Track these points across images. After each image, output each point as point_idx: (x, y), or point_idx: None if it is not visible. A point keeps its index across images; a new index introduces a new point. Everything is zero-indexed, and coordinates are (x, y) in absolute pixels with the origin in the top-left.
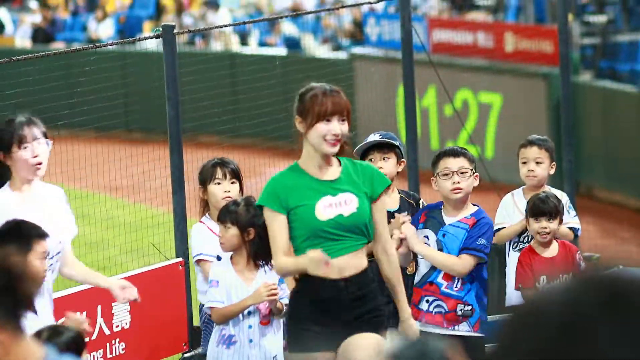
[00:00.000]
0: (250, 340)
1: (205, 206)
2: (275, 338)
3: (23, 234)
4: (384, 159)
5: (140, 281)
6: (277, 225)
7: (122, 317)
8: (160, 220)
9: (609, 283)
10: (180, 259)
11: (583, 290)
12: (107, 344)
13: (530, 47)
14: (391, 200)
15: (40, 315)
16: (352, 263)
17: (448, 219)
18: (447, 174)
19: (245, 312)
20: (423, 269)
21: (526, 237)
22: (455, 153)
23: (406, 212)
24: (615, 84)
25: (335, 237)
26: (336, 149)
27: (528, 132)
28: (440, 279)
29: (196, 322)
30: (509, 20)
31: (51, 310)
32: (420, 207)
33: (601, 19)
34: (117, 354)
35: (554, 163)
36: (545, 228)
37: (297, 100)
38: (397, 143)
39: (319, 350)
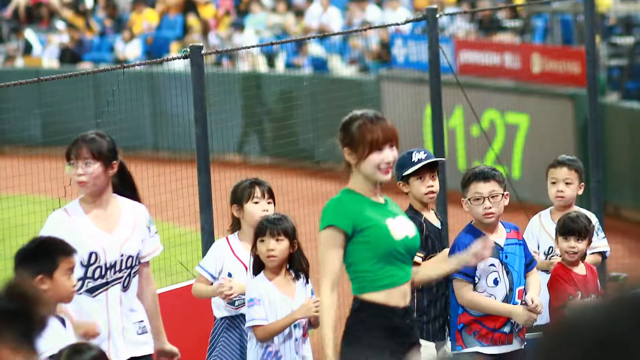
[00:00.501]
0: (297, 353)
1: (236, 224)
2: (309, 348)
3: (48, 251)
4: (433, 177)
5: (167, 299)
6: (337, 250)
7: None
8: (187, 239)
9: None
10: None
11: (618, 308)
12: None
13: (557, 69)
14: (433, 217)
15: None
16: (409, 290)
17: (498, 239)
18: (478, 199)
19: (292, 325)
20: (501, 294)
21: (553, 257)
22: (485, 177)
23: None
24: None
25: (403, 260)
26: (389, 176)
27: (555, 153)
28: (517, 299)
29: None
30: (536, 41)
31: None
32: (446, 226)
33: (628, 40)
34: None
35: (582, 183)
36: (574, 247)
37: (342, 131)
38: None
39: None
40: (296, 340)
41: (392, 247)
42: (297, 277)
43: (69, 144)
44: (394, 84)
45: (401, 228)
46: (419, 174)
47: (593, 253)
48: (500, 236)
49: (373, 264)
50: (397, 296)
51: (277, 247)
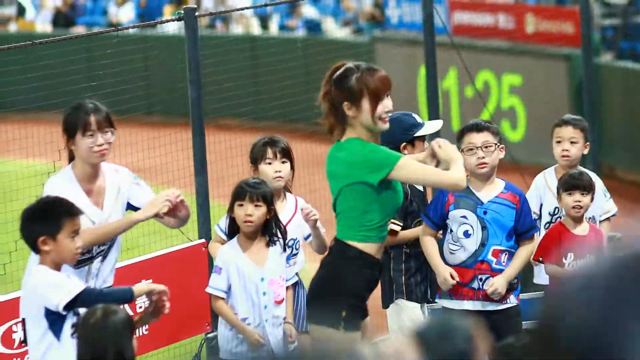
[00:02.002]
0: (266, 320)
1: None
2: (282, 310)
3: (53, 213)
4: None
5: (163, 262)
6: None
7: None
8: None
9: None
10: (203, 240)
11: (619, 263)
12: None
13: (551, 29)
14: None
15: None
16: None
17: (482, 194)
18: (471, 149)
19: (261, 293)
20: (470, 248)
21: (558, 218)
22: (478, 128)
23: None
24: (636, 65)
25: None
26: (388, 124)
27: (550, 114)
28: (490, 256)
29: None
30: (529, 1)
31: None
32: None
33: (622, 0)
34: (140, 334)
35: (587, 143)
36: (579, 202)
37: (339, 86)
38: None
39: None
40: (265, 307)
41: (398, 206)
42: (271, 244)
43: (76, 114)
44: (387, 46)
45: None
46: (416, 141)
47: (606, 219)
48: (489, 191)
49: (384, 216)
50: (381, 250)
51: (255, 213)
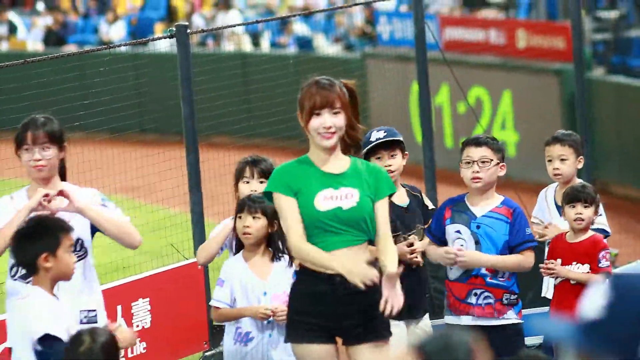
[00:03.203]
0: (270, 335)
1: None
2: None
3: (49, 229)
4: (392, 156)
5: (159, 281)
6: (289, 206)
7: (142, 316)
8: (176, 220)
9: None
10: None
11: None
12: None
13: (542, 44)
14: (399, 196)
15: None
16: (348, 257)
17: (476, 209)
18: (468, 163)
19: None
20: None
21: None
22: (477, 142)
23: (420, 222)
24: (628, 79)
25: (334, 230)
26: (332, 141)
27: (542, 129)
28: (484, 271)
29: None
30: (520, 17)
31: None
32: (423, 199)
33: (613, 14)
34: (138, 353)
35: (581, 157)
36: (580, 214)
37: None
38: (401, 137)
39: (315, 342)
40: (268, 322)
41: (314, 218)
42: (275, 258)
43: (21, 129)
44: (379, 62)
45: (336, 200)
46: (377, 153)
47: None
48: (482, 205)
49: (306, 229)
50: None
51: (253, 225)
